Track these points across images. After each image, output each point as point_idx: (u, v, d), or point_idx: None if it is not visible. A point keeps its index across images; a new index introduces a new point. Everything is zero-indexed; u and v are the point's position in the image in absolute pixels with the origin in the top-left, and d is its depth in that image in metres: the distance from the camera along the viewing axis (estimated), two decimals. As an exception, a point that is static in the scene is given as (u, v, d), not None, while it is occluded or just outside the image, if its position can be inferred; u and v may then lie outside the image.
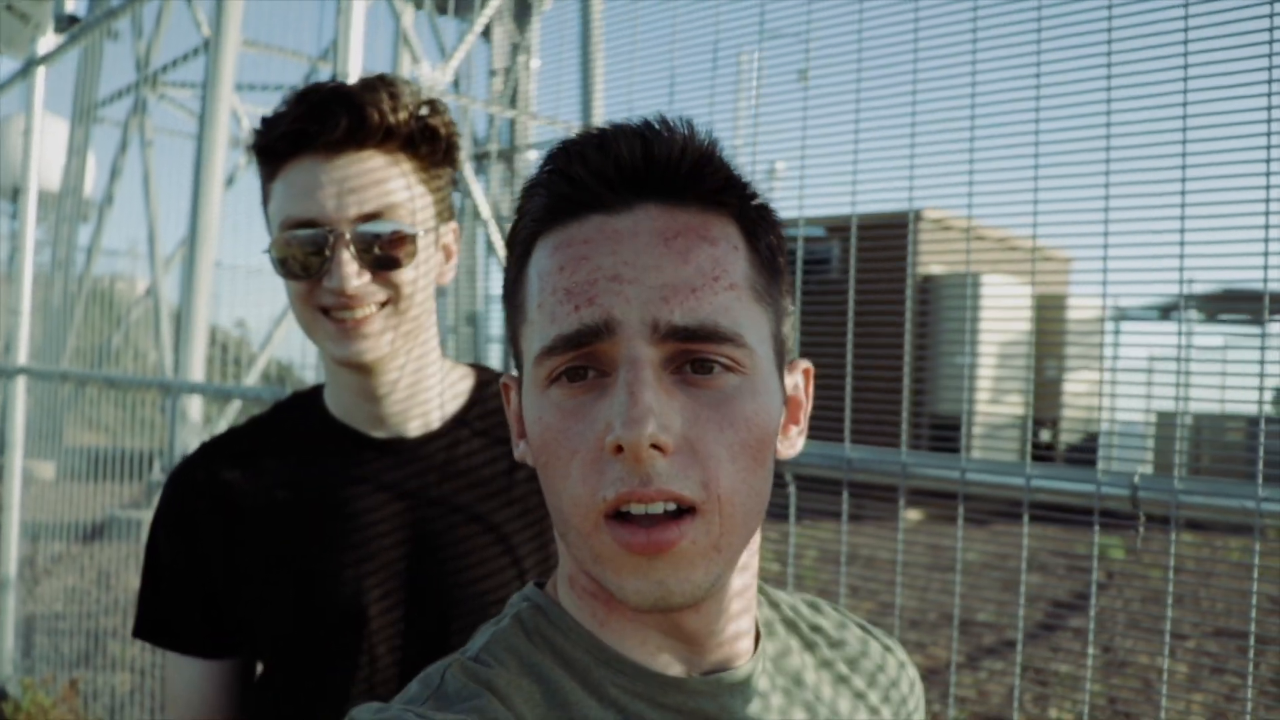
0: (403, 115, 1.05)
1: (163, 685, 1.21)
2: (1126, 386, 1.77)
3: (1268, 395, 1.42)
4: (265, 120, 1.07)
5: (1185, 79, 1.33)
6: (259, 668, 1.19)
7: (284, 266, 1.05)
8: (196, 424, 3.30)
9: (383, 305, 1.06)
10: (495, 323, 4.59)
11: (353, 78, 2.47)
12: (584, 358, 0.60)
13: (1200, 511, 1.30)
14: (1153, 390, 1.84)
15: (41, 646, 4.26)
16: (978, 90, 1.53)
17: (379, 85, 1.06)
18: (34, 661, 4.23)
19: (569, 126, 4.29)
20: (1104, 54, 1.41)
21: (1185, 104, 1.32)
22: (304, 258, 1.04)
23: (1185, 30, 1.32)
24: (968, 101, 1.54)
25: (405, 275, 1.06)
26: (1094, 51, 1.42)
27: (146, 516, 4.00)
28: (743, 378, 0.60)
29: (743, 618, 0.68)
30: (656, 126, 0.62)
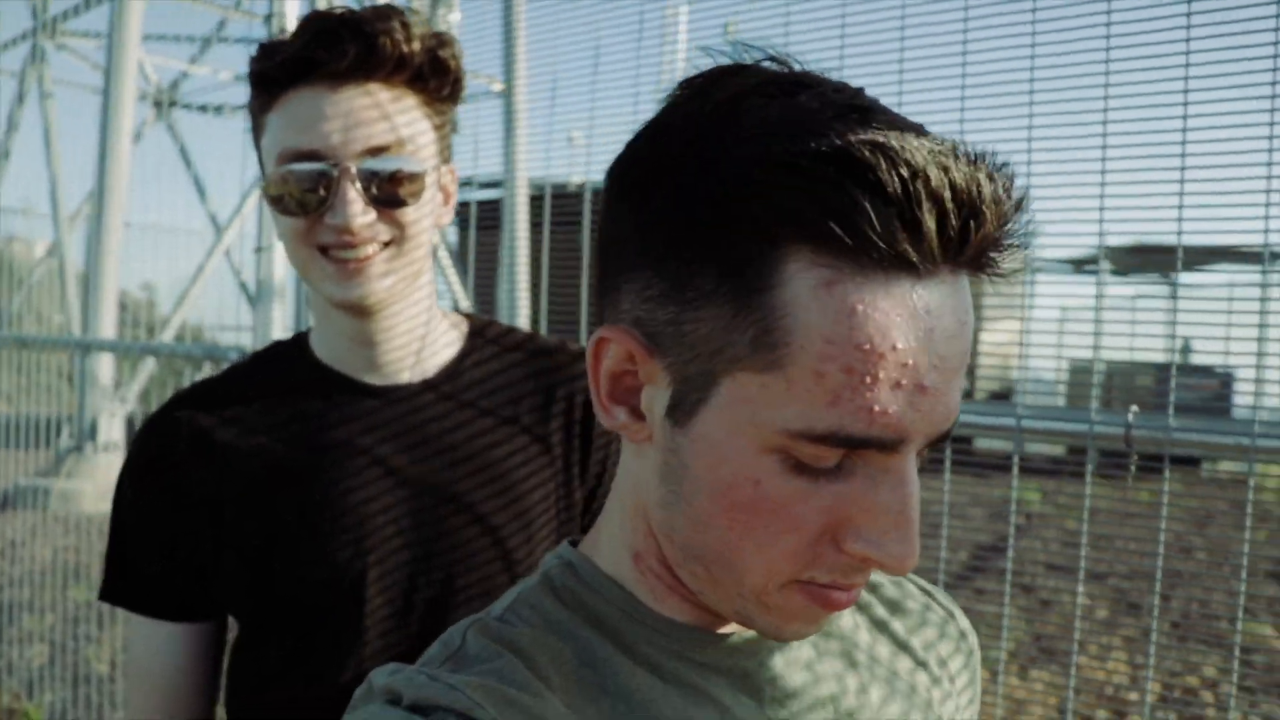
0: (415, 46, 1.00)
1: (126, 652, 1.14)
2: (1040, 336, 1.84)
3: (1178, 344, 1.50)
4: (264, 46, 1.01)
5: (1108, 38, 1.37)
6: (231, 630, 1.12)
7: (280, 203, 1.00)
8: (107, 387, 3.19)
9: (385, 245, 1.02)
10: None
11: (290, 19, 2.39)
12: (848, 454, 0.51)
13: (1194, 448, 1.38)
14: (1064, 340, 1.92)
15: (-51, 622, 4.12)
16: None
17: (390, 14, 1.00)
18: (-58, 638, 4.09)
19: (491, 80, 4.20)
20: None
21: (1108, 61, 1.36)
22: (302, 193, 0.99)
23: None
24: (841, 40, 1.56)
25: (410, 214, 1.02)
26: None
27: (55, 485, 3.87)
28: None
29: None
30: (995, 176, 0.48)
